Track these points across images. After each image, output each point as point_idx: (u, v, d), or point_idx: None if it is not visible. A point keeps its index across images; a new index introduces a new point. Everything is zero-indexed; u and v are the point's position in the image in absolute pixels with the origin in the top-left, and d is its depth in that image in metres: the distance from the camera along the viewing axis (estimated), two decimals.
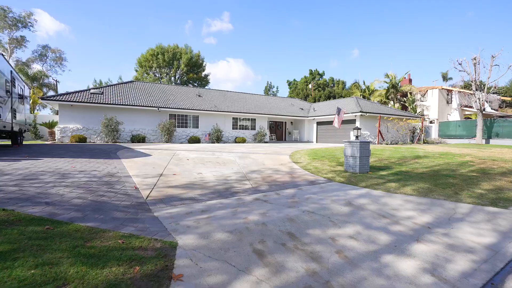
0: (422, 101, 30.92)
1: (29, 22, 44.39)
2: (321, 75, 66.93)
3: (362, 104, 21.95)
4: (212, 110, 20.62)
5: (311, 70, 66.13)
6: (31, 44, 68.64)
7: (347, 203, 4.56)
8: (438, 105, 29.36)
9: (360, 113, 19.44)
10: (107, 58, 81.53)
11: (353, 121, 20.60)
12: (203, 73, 47.20)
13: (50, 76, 46.23)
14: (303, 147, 15.87)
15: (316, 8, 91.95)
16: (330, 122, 23.12)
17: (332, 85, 67.49)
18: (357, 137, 7.81)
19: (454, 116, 29.93)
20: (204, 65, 47.43)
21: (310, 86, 61.60)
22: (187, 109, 19.62)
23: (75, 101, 15.77)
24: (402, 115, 21.81)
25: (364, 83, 34.63)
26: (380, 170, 7.82)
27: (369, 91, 33.52)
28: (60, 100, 15.41)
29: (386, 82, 31.37)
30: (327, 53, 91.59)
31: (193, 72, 44.30)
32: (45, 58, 49.20)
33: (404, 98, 30.31)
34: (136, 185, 5.29)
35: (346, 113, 19.99)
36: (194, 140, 19.14)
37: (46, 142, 16.08)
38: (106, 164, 7.21)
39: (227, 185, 5.77)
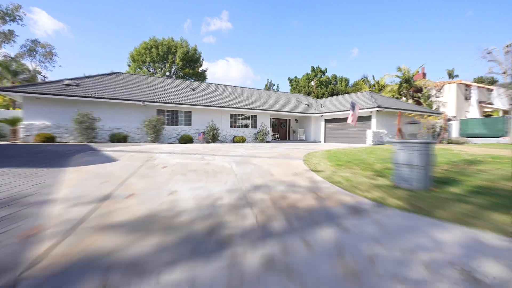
0: (438, 96, 28.43)
1: (18, 16, 41.82)
2: (323, 72, 64.54)
3: (377, 99, 19.46)
4: (207, 105, 18.11)
5: (313, 67, 63.74)
6: (20, 39, 66.17)
7: (468, 275, 2.04)
8: (456, 101, 26.90)
9: (377, 109, 16.94)
10: (105, 57, 79.17)
11: (367, 118, 18.10)
12: (200, 69, 44.68)
13: (42, 72, 43.71)
14: (314, 147, 13.37)
15: (315, 7, 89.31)
16: (340, 120, 20.62)
17: (334, 82, 65.09)
18: (415, 134, 5.32)
19: (473, 113, 27.45)
20: (201, 60, 44.93)
21: (312, 83, 59.11)
22: (178, 103, 17.10)
23: (42, 93, 13.23)
24: (423, 112, 19.32)
25: (373, 78, 32.12)
26: (443, 184, 5.31)
27: (379, 86, 31.02)
28: (23, 92, 12.86)
29: (398, 77, 28.88)
30: (328, 51, 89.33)
31: (189, 67, 41.74)
32: (34, 53, 46.72)
33: (418, 93, 27.81)
34: (40, 225, 2.78)
35: (362, 109, 17.49)
36: (186, 139, 16.61)
37: (4, 142, 13.53)
38: (32, 177, 4.71)
39: (213, 220, 3.26)
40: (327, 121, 21.94)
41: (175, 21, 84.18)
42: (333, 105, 22.57)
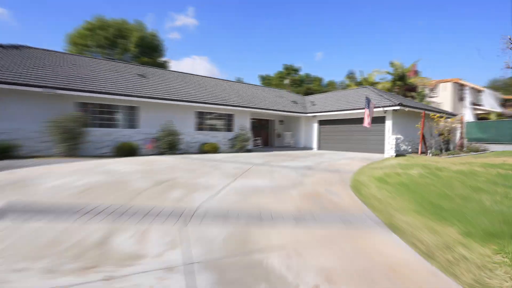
0: (432, 96, 25.75)
1: None
2: (296, 71, 61.03)
3: (389, 96, 15.44)
4: (162, 99, 12.37)
5: (286, 65, 59.86)
6: None
7: None
8: (451, 102, 24.29)
9: (396, 107, 12.72)
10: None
11: (380, 120, 13.84)
12: (161, 59, 37.85)
13: None
14: (332, 162, 8.49)
15: (283, 8, 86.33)
16: (340, 121, 16.21)
17: (308, 82, 62.31)
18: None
19: (468, 115, 25.12)
20: (162, 49, 38.13)
21: (286, 81, 55.23)
22: (116, 94, 11.15)
23: None
24: (443, 112, 15.70)
25: (361, 74, 28.65)
26: None
27: (367, 84, 27.54)
28: None
29: (390, 73, 25.60)
30: (293, 53, 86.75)
31: (146, 56, 34.75)
32: None
33: (413, 92, 24.75)
34: None
35: (377, 107, 13.17)
36: (126, 150, 10.70)
37: None
38: None
39: None
40: (322, 122, 17.42)
41: (137, 14, 74.73)
42: (327, 103, 18.14)
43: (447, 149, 14.84)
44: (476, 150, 15.51)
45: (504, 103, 29.51)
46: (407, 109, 12.93)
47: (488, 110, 25.53)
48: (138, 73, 14.55)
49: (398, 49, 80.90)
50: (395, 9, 75.94)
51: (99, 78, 12.22)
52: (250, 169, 7.33)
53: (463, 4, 63.25)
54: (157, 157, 10.52)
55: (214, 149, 13.16)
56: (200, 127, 14.24)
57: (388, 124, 13.48)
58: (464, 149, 15.37)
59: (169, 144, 11.71)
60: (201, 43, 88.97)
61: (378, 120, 13.85)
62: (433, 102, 25.16)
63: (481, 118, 25.42)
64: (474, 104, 25.90)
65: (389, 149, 11.88)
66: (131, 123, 12.16)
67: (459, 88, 25.42)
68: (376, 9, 77.85)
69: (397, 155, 12.28)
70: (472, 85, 26.04)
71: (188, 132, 13.57)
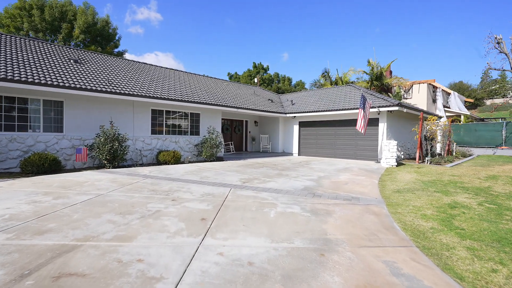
0: (406, 98, 25.26)
1: None
2: (265, 70, 59.28)
3: (380, 95, 13.80)
4: (101, 91, 9.06)
5: (255, 63, 57.83)
6: None
7: None
8: (426, 104, 23.93)
9: (393, 108, 10.96)
10: None
11: (372, 122, 12.03)
12: (116, 50, 33.05)
13: None
14: (322, 172, 6.14)
15: (249, 7, 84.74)
16: (323, 123, 14.20)
17: (277, 81, 60.89)
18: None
19: (442, 118, 25.03)
20: (118, 38, 33.32)
21: (256, 80, 53.02)
22: (25, 82, 7.66)
23: None
24: (436, 115, 14.47)
25: (337, 72, 27.33)
26: None
27: (342, 83, 26.31)
28: None
29: (367, 73, 24.57)
30: (260, 53, 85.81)
31: (97, 44, 29.90)
32: None
33: (389, 93, 23.94)
34: None
35: (371, 108, 11.28)
36: (38, 164, 7.31)
37: None
38: None
39: None
40: (303, 124, 15.27)
41: (93, 3, 67.20)
42: (308, 103, 16.06)
43: (439, 154, 13.60)
44: (465, 155, 14.54)
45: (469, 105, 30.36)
46: (405, 110, 11.26)
47: (456, 112, 25.75)
48: (70, 57, 10.95)
49: (358, 54, 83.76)
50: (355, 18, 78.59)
51: (3, 59, 8.55)
52: (226, 202, 4.66)
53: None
54: (88, 174, 7.33)
55: (175, 159, 10.17)
56: (158, 128, 11.14)
57: (382, 127, 11.71)
58: (453, 154, 14.29)
59: (110, 154, 8.51)
60: (165, 39, 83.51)
61: (370, 123, 12.03)
62: (408, 103, 24.63)
63: (453, 120, 25.53)
64: (444, 106, 25.96)
65: (389, 157, 10.01)
66: (55, 124, 8.70)
67: (433, 89, 25.27)
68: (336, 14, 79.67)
69: (398, 165, 10.48)
70: (443, 87, 26.08)
71: (140, 136, 10.41)
